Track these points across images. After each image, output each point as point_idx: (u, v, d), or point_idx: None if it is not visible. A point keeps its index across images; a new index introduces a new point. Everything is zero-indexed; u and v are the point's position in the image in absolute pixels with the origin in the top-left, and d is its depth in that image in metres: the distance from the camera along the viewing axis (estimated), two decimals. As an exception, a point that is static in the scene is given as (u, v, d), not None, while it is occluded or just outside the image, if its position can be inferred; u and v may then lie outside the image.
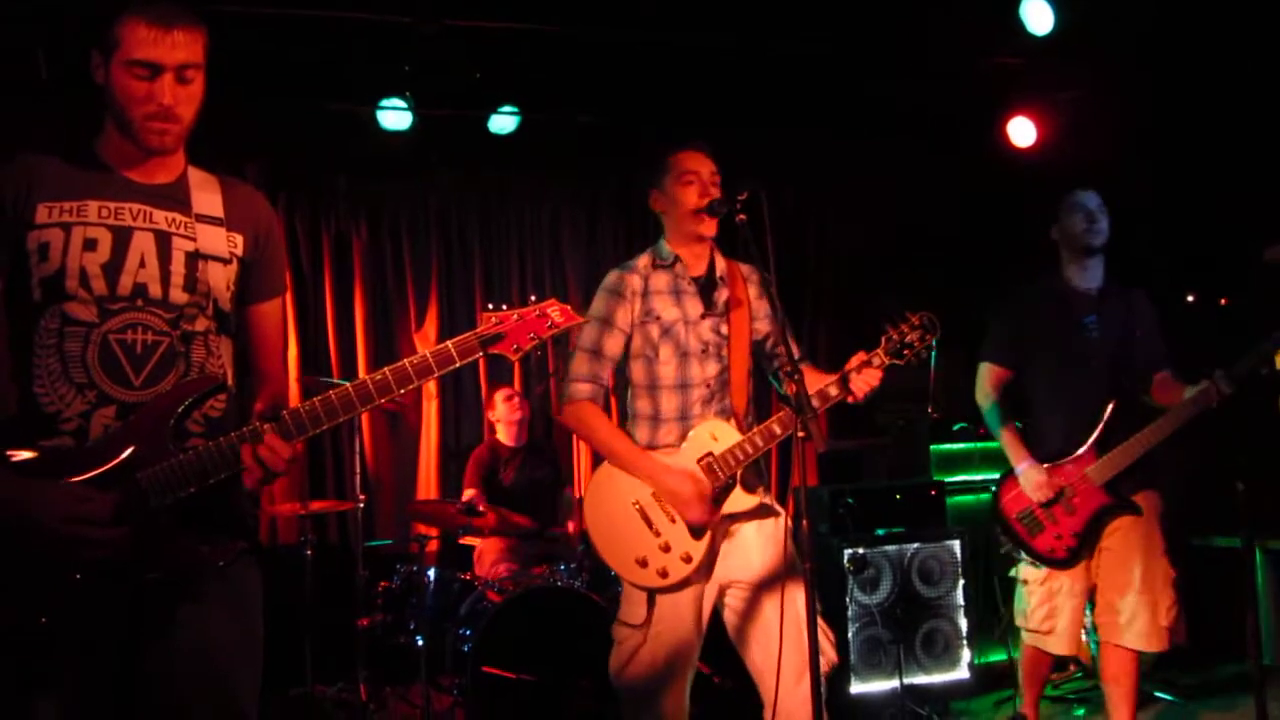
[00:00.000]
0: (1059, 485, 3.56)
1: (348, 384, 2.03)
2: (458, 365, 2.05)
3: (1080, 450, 3.57)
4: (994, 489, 3.76)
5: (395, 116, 5.48)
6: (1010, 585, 3.85)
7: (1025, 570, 3.73)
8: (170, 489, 1.95)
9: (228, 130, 5.40)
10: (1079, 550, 3.57)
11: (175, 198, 2.10)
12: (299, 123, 5.51)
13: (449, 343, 2.07)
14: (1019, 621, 3.76)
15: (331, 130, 5.60)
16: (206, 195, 2.13)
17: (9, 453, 1.94)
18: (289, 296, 5.78)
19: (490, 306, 2.12)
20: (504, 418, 5.54)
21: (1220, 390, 3.40)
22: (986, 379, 3.80)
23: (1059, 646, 3.66)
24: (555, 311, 2.15)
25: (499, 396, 5.59)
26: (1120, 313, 3.69)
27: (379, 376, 2.03)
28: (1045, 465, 3.60)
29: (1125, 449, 3.51)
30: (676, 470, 2.84)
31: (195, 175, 2.16)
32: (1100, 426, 3.54)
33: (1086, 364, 3.62)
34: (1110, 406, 3.53)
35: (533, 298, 2.16)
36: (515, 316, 2.11)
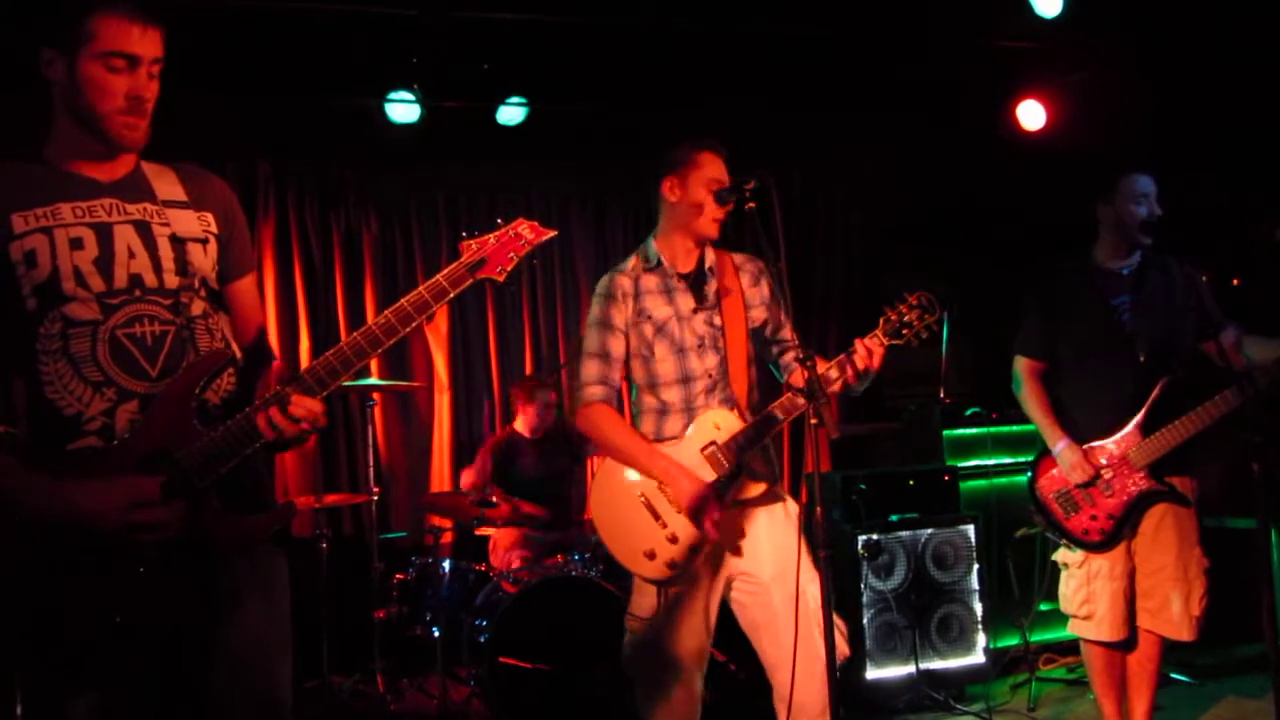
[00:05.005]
0: (1097, 465, 3.46)
1: (355, 332, 2.06)
2: (451, 296, 2.11)
3: (1123, 431, 3.46)
4: (1030, 470, 3.66)
5: (403, 109, 5.48)
6: (1024, 569, 3.82)
7: (1064, 554, 3.62)
8: (212, 467, 1.97)
9: (237, 127, 5.44)
10: (1115, 533, 3.46)
11: (138, 189, 2.11)
12: (307, 118, 5.52)
13: (438, 275, 2.11)
14: (1062, 607, 3.65)
15: (340, 125, 5.61)
16: (165, 183, 2.15)
17: (43, 463, 1.93)
18: (300, 291, 5.81)
19: (464, 235, 2.18)
20: (536, 409, 5.49)
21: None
22: (1021, 372, 3.69)
23: (1100, 632, 3.52)
24: (525, 229, 2.22)
25: (539, 393, 5.51)
26: (1158, 290, 3.55)
27: (382, 320, 2.06)
28: (1086, 445, 3.49)
29: (1170, 431, 3.39)
30: (691, 477, 2.82)
31: (148, 166, 2.17)
32: (1145, 408, 3.42)
33: (1120, 347, 3.50)
34: (1157, 388, 3.40)
35: (500, 220, 2.22)
36: (492, 239, 2.18)
